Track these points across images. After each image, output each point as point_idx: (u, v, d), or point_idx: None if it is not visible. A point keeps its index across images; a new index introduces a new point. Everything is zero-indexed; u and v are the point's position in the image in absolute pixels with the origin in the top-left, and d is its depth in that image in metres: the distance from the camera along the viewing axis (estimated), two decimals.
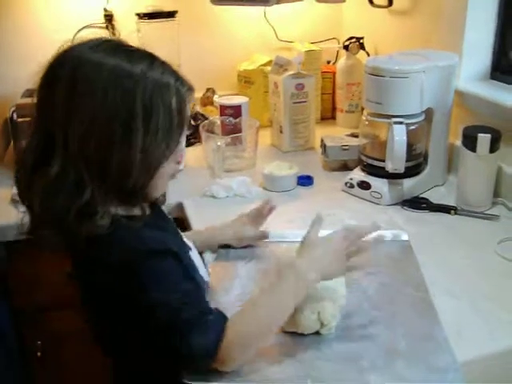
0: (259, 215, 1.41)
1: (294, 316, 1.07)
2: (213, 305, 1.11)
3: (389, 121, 1.58)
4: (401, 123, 1.56)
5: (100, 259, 0.99)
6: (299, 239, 1.17)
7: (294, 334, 1.10)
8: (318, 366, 1.02)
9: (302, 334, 1.10)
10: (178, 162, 1.10)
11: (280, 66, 2.02)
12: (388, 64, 1.58)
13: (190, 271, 1.05)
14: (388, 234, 1.44)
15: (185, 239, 1.21)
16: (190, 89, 1.05)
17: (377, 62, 1.63)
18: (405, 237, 1.44)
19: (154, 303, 0.95)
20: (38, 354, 1.80)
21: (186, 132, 1.07)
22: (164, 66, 1.03)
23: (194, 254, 1.19)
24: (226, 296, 1.21)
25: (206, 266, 1.27)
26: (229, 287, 1.25)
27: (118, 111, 0.95)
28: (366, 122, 1.71)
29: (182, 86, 1.02)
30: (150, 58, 1.01)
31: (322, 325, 1.09)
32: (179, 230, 1.24)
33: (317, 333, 1.10)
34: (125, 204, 1.03)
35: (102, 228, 0.96)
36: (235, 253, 1.39)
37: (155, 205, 1.14)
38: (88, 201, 0.96)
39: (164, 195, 1.20)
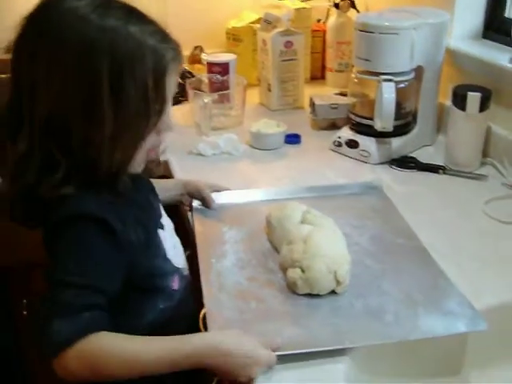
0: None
1: (310, 277, 1.05)
2: (213, 273, 1.12)
3: (378, 78, 1.56)
4: (390, 81, 1.54)
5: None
6: (278, 197, 1.30)
7: (308, 295, 1.06)
8: (346, 325, 0.99)
9: (317, 295, 1.06)
10: (164, 131, 1.03)
11: (269, 23, 1.98)
12: (378, 20, 1.55)
13: (123, 247, 0.96)
14: (364, 184, 1.45)
15: (163, 218, 1.16)
16: (177, 53, 0.97)
17: (367, 18, 1.60)
18: (376, 183, 1.45)
19: (51, 272, 0.91)
20: (24, 312, 1.80)
21: (170, 101, 0.99)
22: (144, 22, 0.94)
23: (166, 235, 1.12)
24: (223, 262, 1.17)
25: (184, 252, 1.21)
26: (221, 254, 1.19)
27: (83, 87, 0.88)
28: (356, 80, 1.69)
29: (165, 51, 0.94)
30: (127, 12, 0.92)
31: (339, 283, 1.06)
32: (160, 206, 1.18)
33: (331, 292, 1.07)
34: (103, 182, 0.95)
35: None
36: (214, 217, 1.34)
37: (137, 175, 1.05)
38: (61, 179, 0.91)
39: (158, 163, 1.19)
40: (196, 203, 1.36)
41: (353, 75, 1.69)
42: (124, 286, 0.97)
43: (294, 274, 1.06)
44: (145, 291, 1.04)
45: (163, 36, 0.95)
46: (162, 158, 1.27)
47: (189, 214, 1.36)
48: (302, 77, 2.05)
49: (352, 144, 1.66)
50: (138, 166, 1.01)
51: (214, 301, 1.05)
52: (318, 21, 2.36)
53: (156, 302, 1.06)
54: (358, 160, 1.65)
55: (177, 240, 1.19)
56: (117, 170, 0.94)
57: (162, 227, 1.12)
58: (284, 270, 1.10)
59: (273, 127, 1.74)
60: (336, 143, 1.70)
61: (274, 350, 0.92)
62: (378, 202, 1.39)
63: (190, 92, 1.82)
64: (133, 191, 1.00)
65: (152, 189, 1.18)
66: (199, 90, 1.87)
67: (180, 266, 1.13)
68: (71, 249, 0.91)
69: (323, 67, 2.32)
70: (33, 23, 0.91)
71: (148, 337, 0.89)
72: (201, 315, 1.05)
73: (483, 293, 1.11)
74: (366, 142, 1.64)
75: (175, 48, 0.97)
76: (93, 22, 0.88)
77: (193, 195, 1.37)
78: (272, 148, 1.73)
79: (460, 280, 1.13)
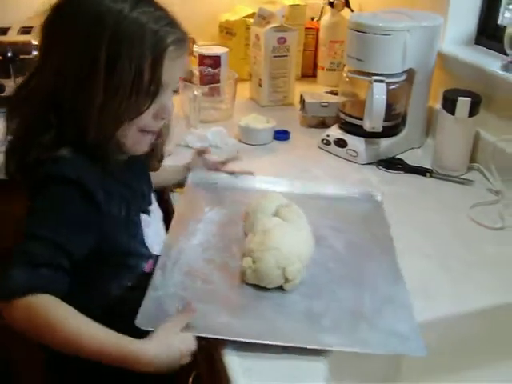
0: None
1: (258, 268, 1.05)
2: (175, 249, 1.13)
3: (369, 78, 1.56)
4: (381, 81, 1.54)
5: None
6: (266, 186, 1.36)
7: (256, 286, 1.06)
8: (279, 323, 0.98)
9: (265, 289, 1.06)
10: (161, 118, 1.04)
11: (263, 18, 1.97)
12: (372, 20, 1.55)
13: (101, 215, 0.98)
14: (361, 192, 1.42)
15: (153, 206, 1.18)
16: (180, 39, 0.98)
17: (360, 17, 1.60)
18: (378, 197, 1.40)
19: (26, 224, 0.93)
20: None
21: (168, 89, 1.02)
22: (152, 7, 0.97)
23: (151, 221, 1.14)
24: (190, 241, 1.18)
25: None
26: (191, 233, 1.20)
27: (83, 55, 0.94)
28: (347, 79, 1.68)
29: (166, 34, 0.96)
30: None
31: (287, 280, 1.05)
32: (151, 195, 1.20)
33: (281, 288, 1.07)
34: (95, 155, 0.98)
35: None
36: (203, 196, 1.36)
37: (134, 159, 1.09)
38: (52, 141, 0.96)
39: (160, 159, 1.21)
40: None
41: (344, 74, 1.69)
42: (93, 255, 0.98)
43: (246, 263, 1.07)
44: (114, 266, 1.07)
45: (169, 22, 0.98)
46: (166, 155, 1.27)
47: (172, 193, 1.41)
48: (294, 74, 2.05)
49: (340, 143, 1.66)
50: (131, 146, 1.03)
51: (163, 273, 1.07)
52: (312, 19, 2.35)
53: (122, 279, 1.09)
54: (346, 159, 1.65)
55: (161, 229, 1.20)
56: (105, 141, 0.97)
57: (147, 213, 1.14)
58: (242, 258, 1.10)
59: (262, 122, 1.73)
60: (324, 141, 1.70)
61: (191, 316, 0.96)
62: (371, 211, 1.36)
63: (181, 83, 1.81)
64: (127, 173, 1.06)
65: (148, 179, 1.21)
66: (190, 82, 1.86)
67: (157, 253, 1.14)
68: (49, 207, 0.94)
69: (315, 65, 2.31)
70: (55, 4, 0.98)
71: (93, 322, 0.89)
72: (191, 378, 1.11)
73: (466, 296, 1.12)
74: (355, 142, 1.64)
75: (180, 35, 0.98)
76: (104, 2, 0.94)
77: (193, 164, 1.42)
78: (260, 143, 1.72)
79: (443, 282, 1.14)
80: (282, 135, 1.76)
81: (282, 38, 1.95)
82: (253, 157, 1.64)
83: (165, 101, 1.02)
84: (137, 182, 1.14)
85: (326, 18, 2.19)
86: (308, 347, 0.93)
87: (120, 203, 1.04)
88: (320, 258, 1.15)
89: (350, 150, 1.64)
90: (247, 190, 1.39)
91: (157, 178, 1.27)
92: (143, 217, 1.12)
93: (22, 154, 0.99)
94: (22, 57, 1.79)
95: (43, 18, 0.98)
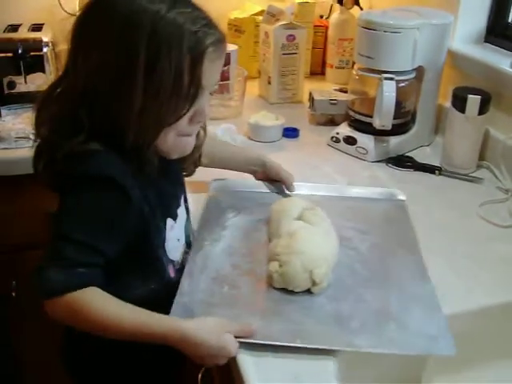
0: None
1: (285, 272, 1.05)
2: (200, 255, 1.14)
3: (379, 76, 1.56)
4: (391, 79, 1.54)
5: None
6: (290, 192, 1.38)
7: (284, 290, 1.06)
8: (307, 325, 0.98)
9: (292, 292, 1.06)
10: (197, 121, 1.02)
11: (272, 15, 1.98)
12: (382, 18, 1.55)
13: (135, 215, 0.99)
14: (384, 192, 1.42)
15: (180, 209, 1.16)
16: (219, 40, 0.96)
17: (370, 15, 1.60)
18: (401, 196, 1.40)
19: (58, 224, 0.94)
20: (13, 294, 1.79)
21: (206, 91, 0.99)
22: (189, 8, 0.95)
23: (176, 226, 1.13)
24: (215, 246, 1.18)
25: (185, 250, 1.19)
26: (216, 238, 1.21)
27: (120, 57, 0.91)
28: (356, 77, 1.68)
29: (205, 36, 0.93)
30: None
31: (314, 283, 1.05)
32: (181, 197, 1.19)
33: (308, 291, 1.06)
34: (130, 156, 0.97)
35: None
36: (226, 203, 1.35)
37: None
38: (82, 143, 0.94)
39: (196, 163, 1.21)
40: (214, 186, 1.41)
41: (354, 72, 1.69)
42: (126, 252, 1.00)
43: (273, 267, 1.06)
44: (143, 266, 1.07)
45: (207, 23, 0.96)
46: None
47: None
48: (303, 71, 2.05)
49: (350, 140, 1.66)
50: (168, 150, 1.02)
51: (191, 279, 1.07)
52: (321, 17, 2.36)
53: (148, 281, 1.08)
54: (355, 157, 1.65)
55: (182, 234, 1.18)
56: (142, 145, 0.96)
57: (174, 218, 1.13)
58: (268, 262, 1.10)
59: (271, 120, 1.74)
60: (334, 139, 1.70)
61: (246, 335, 0.94)
62: (394, 211, 1.36)
63: None
64: (160, 176, 1.03)
65: (181, 182, 1.21)
66: None
67: (174, 259, 1.14)
68: (83, 206, 0.94)
69: (323, 63, 2.32)
70: (87, 4, 0.97)
71: (133, 306, 0.92)
72: (200, 374, 1.08)
73: (477, 293, 1.12)
74: (364, 140, 1.64)
75: (218, 36, 0.97)
76: (141, 2, 0.92)
77: (269, 174, 1.41)
78: (270, 140, 1.73)
79: (452, 280, 1.14)
80: (291, 133, 1.76)
81: (291, 35, 1.95)
82: None
83: (203, 104, 0.99)
84: (170, 186, 1.13)
85: (335, 15, 2.19)
86: (339, 349, 0.93)
87: (150, 205, 1.02)
88: (345, 259, 1.15)
89: (360, 147, 1.64)
90: (271, 195, 1.39)
91: (230, 162, 1.39)
92: (169, 221, 1.11)
93: (51, 151, 0.97)
94: (32, 54, 1.80)
95: (75, 19, 0.97)
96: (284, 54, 1.97)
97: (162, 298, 1.00)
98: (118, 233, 0.97)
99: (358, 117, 1.68)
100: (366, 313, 1.02)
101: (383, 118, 1.56)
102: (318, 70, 2.32)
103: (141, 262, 1.06)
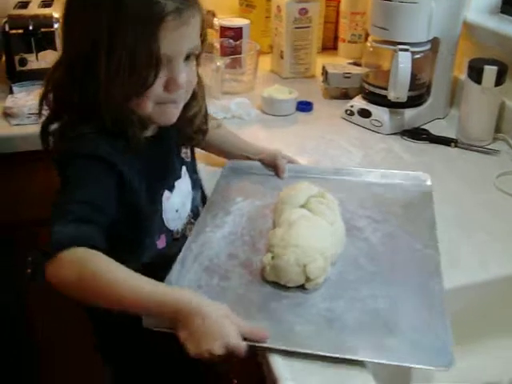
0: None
1: (277, 265, 0.98)
2: (199, 241, 1.10)
3: (394, 48, 1.54)
4: (406, 50, 1.52)
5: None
6: (298, 174, 1.31)
7: (277, 284, 0.99)
8: (294, 325, 0.90)
9: (284, 287, 0.98)
10: (174, 90, 1.01)
11: None
12: None
13: (125, 188, 1.01)
14: (407, 176, 1.33)
15: (180, 181, 1.16)
16: (179, 8, 0.94)
17: None
18: (427, 181, 1.30)
19: (57, 198, 0.96)
20: (28, 270, 1.79)
21: (177, 59, 0.98)
22: None
23: (174, 197, 1.14)
24: (216, 233, 1.13)
25: (190, 220, 1.20)
26: (219, 224, 1.16)
27: (85, 34, 0.96)
28: (371, 49, 1.67)
29: (162, 5, 0.92)
30: None
31: (308, 279, 0.97)
32: (181, 168, 1.18)
33: (302, 287, 0.98)
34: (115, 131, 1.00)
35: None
36: (236, 186, 1.32)
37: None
38: (73, 122, 1.01)
39: (203, 132, 1.20)
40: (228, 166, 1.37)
41: (368, 44, 1.67)
42: (118, 226, 1.00)
43: (266, 258, 1.00)
44: (133, 241, 1.08)
45: None
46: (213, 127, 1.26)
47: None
48: (315, 45, 2.03)
49: (364, 113, 1.65)
50: (151, 118, 1.04)
51: (181, 267, 1.02)
52: None
53: (141, 256, 1.09)
54: (370, 129, 1.64)
55: (183, 206, 1.18)
56: (121, 121, 0.99)
57: (170, 189, 1.13)
58: (265, 253, 1.04)
59: (285, 93, 1.72)
60: (348, 112, 1.69)
61: (257, 340, 0.86)
62: (417, 198, 1.26)
63: (202, 55, 1.80)
64: (153, 148, 1.07)
65: (178, 153, 1.19)
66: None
67: (173, 229, 1.15)
68: (80, 177, 0.97)
69: (335, 38, 2.29)
70: None
71: (138, 274, 0.88)
72: None
73: (491, 264, 1.11)
74: (379, 112, 1.63)
75: (177, 4, 0.94)
76: None
77: (264, 161, 1.37)
78: (283, 114, 1.71)
79: (469, 250, 1.14)
80: (304, 106, 1.75)
81: (303, 8, 1.93)
82: (276, 127, 1.65)
83: (176, 72, 0.99)
84: (165, 158, 1.14)
85: None
86: (324, 354, 0.85)
87: (141, 179, 1.04)
88: (352, 252, 1.08)
89: (374, 119, 1.63)
90: (287, 180, 1.32)
91: (235, 149, 1.39)
92: (165, 193, 1.12)
93: (52, 131, 1.04)
94: (43, 30, 1.79)
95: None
96: (296, 28, 1.95)
97: (154, 272, 0.95)
98: (111, 196, 0.98)
99: (372, 89, 1.66)
100: (362, 314, 0.93)
101: (398, 90, 1.54)
102: (329, 45, 2.30)
103: (132, 233, 1.07)
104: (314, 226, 1.05)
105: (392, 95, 1.56)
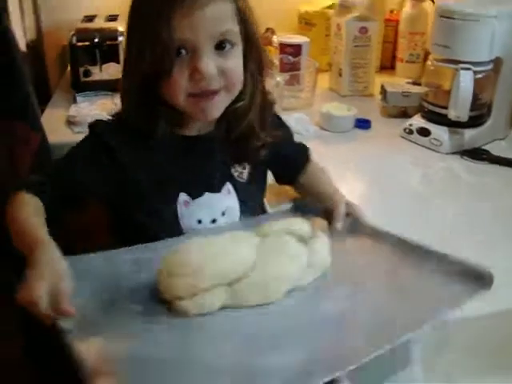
0: None
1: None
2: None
3: (456, 66, 1.53)
4: (468, 69, 1.51)
5: None
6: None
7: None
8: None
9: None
10: (199, 80, 0.96)
11: (344, 7, 1.97)
12: (460, 6, 1.53)
13: (111, 167, 1.03)
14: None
15: (212, 194, 1.09)
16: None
17: (449, 4, 1.57)
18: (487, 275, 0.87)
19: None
20: None
21: (201, 48, 0.94)
22: None
23: (198, 206, 1.07)
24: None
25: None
26: None
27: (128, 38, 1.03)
28: (432, 68, 1.66)
29: None
30: None
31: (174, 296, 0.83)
32: (219, 185, 1.10)
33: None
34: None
35: None
36: None
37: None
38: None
39: (256, 138, 1.09)
40: None
41: (429, 62, 1.67)
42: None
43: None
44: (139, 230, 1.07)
45: None
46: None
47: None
48: (374, 64, 2.04)
49: (423, 132, 1.64)
50: (186, 110, 1.02)
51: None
52: (391, 11, 2.33)
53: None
54: (429, 148, 1.63)
55: (212, 220, 1.09)
56: (141, 100, 1.01)
57: (191, 195, 1.07)
58: None
59: (343, 110, 1.73)
60: (407, 130, 1.68)
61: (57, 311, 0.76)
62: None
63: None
64: (185, 146, 1.07)
65: (220, 164, 1.11)
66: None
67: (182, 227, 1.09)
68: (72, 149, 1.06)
69: (393, 57, 2.29)
70: None
71: (40, 218, 0.92)
72: None
73: None
74: (439, 131, 1.61)
75: None
76: None
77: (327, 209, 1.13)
78: (342, 131, 1.72)
79: None
80: (363, 124, 1.75)
81: (363, 27, 1.94)
82: (334, 144, 1.65)
83: (197, 61, 0.95)
84: (196, 162, 1.08)
85: (407, 9, 2.17)
86: None
87: (151, 175, 1.04)
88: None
89: (434, 138, 1.61)
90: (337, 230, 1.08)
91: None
92: (182, 195, 1.06)
93: None
94: (108, 43, 1.84)
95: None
96: (356, 47, 1.96)
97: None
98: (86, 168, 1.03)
99: (432, 108, 1.65)
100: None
101: (459, 110, 1.53)
102: (387, 65, 2.30)
103: (139, 223, 1.07)
104: (218, 244, 0.89)
105: (453, 114, 1.55)
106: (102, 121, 1.09)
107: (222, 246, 0.87)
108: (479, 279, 0.86)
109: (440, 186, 1.42)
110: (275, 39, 2.15)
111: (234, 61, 1.00)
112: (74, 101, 1.85)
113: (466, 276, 0.87)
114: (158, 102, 1.01)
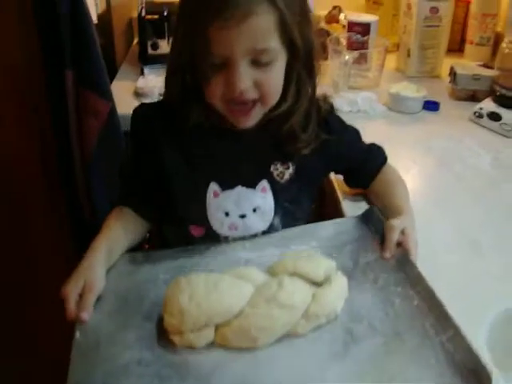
0: None
1: None
2: None
3: None
4: None
5: None
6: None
7: None
8: None
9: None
10: (228, 90, 0.95)
11: None
12: None
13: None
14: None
15: (243, 188, 1.08)
16: (224, 9, 0.88)
17: None
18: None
19: None
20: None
21: (234, 60, 0.92)
22: None
23: (229, 197, 1.07)
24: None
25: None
26: None
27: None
28: (506, 50, 1.62)
29: (208, 7, 0.90)
30: None
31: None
32: (252, 182, 1.08)
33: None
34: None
35: None
36: None
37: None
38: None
39: (304, 144, 1.07)
40: None
41: (503, 45, 1.63)
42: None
43: None
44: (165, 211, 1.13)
45: None
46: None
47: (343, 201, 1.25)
48: (444, 45, 2.00)
49: (494, 116, 1.60)
50: (225, 115, 1.01)
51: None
52: None
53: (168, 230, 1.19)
54: (499, 133, 1.59)
55: (240, 215, 1.09)
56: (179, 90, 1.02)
57: (222, 185, 1.07)
58: None
59: (412, 91, 1.70)
60: (477, 114, 1.64)
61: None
62: None
63: (330, 48, 1.81)
64: (221, 137, 1.06)
65: (257, 161, 1.08)
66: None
67: (216, 230, 1.09)
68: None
69: (462, 40, 2.24)
70: None
71: (115, 229, 1.05)
72: None
73: None
74: (510, 116, 1.57)
75: (226, 4, 0.88)
76: None
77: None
78: (410, 112, 1.69)
79: None
80: (431, 105, 1.72)
81: (434, 7, 1.90)
82: (401, 125, 1.63)
83: (230, 75, 0.93)
84: (230, 153, 1.07)
85: None
86: None
87: (184, 160, 1.06)
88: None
89: (504, 123, 1.58)
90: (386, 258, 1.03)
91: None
92: (212, 185, 1.07)
93: None
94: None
95: None
96: (426, 27, 1.92)
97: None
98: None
99: (503, 92, 1.61)
100: None
101: None
102: (455, 47, 2.24)
103: (167, 208, 1.11)
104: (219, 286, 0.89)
105: None
106: (144, 105, 1.13)
107: (214, 288, 0.88)
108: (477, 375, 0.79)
109: (510, 170, 1.39)
110: (342, 17, 2.13)
111: (272, 75, 0.96)
112: (142, 73, 1.87)
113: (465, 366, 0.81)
114: (197, 93, 1.00)
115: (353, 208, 1.20)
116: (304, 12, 0.98)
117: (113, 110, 1.54)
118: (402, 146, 1.48)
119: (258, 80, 0.95)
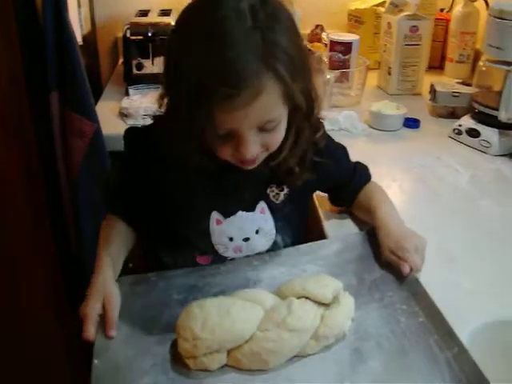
0: None
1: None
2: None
3: (508, 68, 1.52)
4: None
5: None
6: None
7: None
8: None
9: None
10: (237, 152, 0.96)
11: (395, 5, 1.97)
12: None
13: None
14: None
15: (244, 212, 1.11)
16: (229, 96, 0.86)
17: (503, 5, 1.56)
18: None
19: None
20: None
21: (241, 132, 0.92)
22: (218, 45, 0.86)
23: (225, 222, 1.10)
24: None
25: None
26: None
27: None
28: (483, 68, 1.66)
29: (213, 89, 0.86)
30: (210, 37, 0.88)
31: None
32: (252, 206, 1.12)
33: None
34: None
35: None
36: None
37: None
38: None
39: (293, 178, 1.09)
40: None
41: (481, 63, 1.67)
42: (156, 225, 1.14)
43: None
44: (171, 243, 1.15)
45: (222, 72, 0.86)
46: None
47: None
48: (424, 63, 2.04)
49: (473, 133, 1.63)
50: (229, 160, 1.00)
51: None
52: (442, 10, 2.32)
53: (176, 257, 1.16)
54: (478, 150, 1.62)
55: (240, 237, 1.12)
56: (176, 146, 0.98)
57: (224, 214, 1.10)
58: None
59: (393, 109, 1.73)
60: (456, 131, 1.68)
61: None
62: None
63: (313, 68, 1.83)
64: (218, 171, 1.04)
65: (255, 188, 1.12)
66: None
67: (223, 254, 1.12)
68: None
69: (442, 57, 2.28)
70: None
71: (115, 237, 1.09)
72: None
73: None
74: (488, 132, 1.61)
75: (228, 91, 0.86)
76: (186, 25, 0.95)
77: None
78: (390, 129, 1.72)
79: None
80: (412, 123, 1.75)
81: (414, 26, 1.93)
82: (382, 142, 1.66)
83: (238, 144, 0.94)
84: (230, 182, 1.09)
85: (459, 8, 2.15)
86: None
87: (183, 193, 1.07)
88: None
89: (483, 140, 1.61)
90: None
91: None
92: (214, 214, 1.09)
93: None
94: (161, 37, 1.87)
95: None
96: (406, 45, 1.95)
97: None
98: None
99: (482, 109, 1.64)
100: None
101: (510, 111, 1.53)
102: (436, 64, 2.29)
103: (168, 237, 1.14)
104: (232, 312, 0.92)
105: (503, 116, 1.55)
106: (137, 131, 1.13)
107: (226, 314, 0.90)
108: None
109: (488, 187, 1.42)
110: (324, 36, 2.17)
111: (277, 135, 0.98)
112: (127, 93, 1.89)
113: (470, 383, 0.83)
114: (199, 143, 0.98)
115: (334, 227, 1.24)
116: (305, 69, 0.98)
117: (98, 131, 1.56)
118: (383, 163, 1.50)
119: (264, 142, 0.97)
